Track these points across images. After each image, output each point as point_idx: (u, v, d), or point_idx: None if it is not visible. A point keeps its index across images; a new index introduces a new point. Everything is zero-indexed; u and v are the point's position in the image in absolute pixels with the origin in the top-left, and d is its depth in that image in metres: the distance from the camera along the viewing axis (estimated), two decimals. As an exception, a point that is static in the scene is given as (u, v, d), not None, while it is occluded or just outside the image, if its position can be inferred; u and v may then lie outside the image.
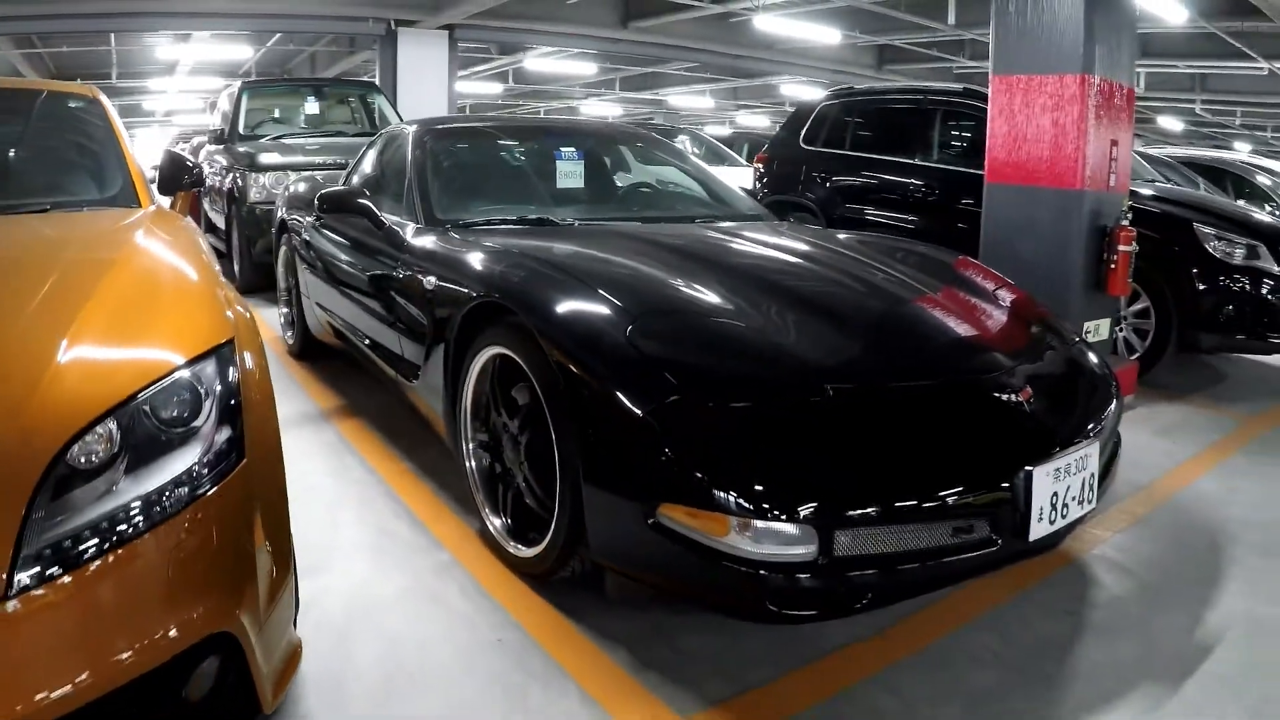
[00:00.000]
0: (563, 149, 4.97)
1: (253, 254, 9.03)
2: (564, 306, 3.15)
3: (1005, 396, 3.06)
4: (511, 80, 25.03)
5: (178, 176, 4.02)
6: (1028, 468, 2.77)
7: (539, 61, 21.25)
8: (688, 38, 18.18)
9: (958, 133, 8.46)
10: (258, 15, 14.97)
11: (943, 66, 21.69)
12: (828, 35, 16.78)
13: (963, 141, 8.41)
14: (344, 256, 5.16)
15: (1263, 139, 31.73)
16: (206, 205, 11.43)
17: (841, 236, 4.72)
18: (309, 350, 6.42)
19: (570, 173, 4.93)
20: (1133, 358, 6.75)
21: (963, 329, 3.48)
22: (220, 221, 10.64)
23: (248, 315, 2.71)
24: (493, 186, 4.92)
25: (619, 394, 2.76)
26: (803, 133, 9.66)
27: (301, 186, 6.90)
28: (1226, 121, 27.88)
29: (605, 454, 2.80)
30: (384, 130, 5.84)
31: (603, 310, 3.09)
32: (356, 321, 4.99)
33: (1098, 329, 6.07)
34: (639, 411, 2.69)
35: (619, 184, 5.43)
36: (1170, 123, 27.82)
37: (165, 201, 3.93)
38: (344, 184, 5.98)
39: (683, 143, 13.91)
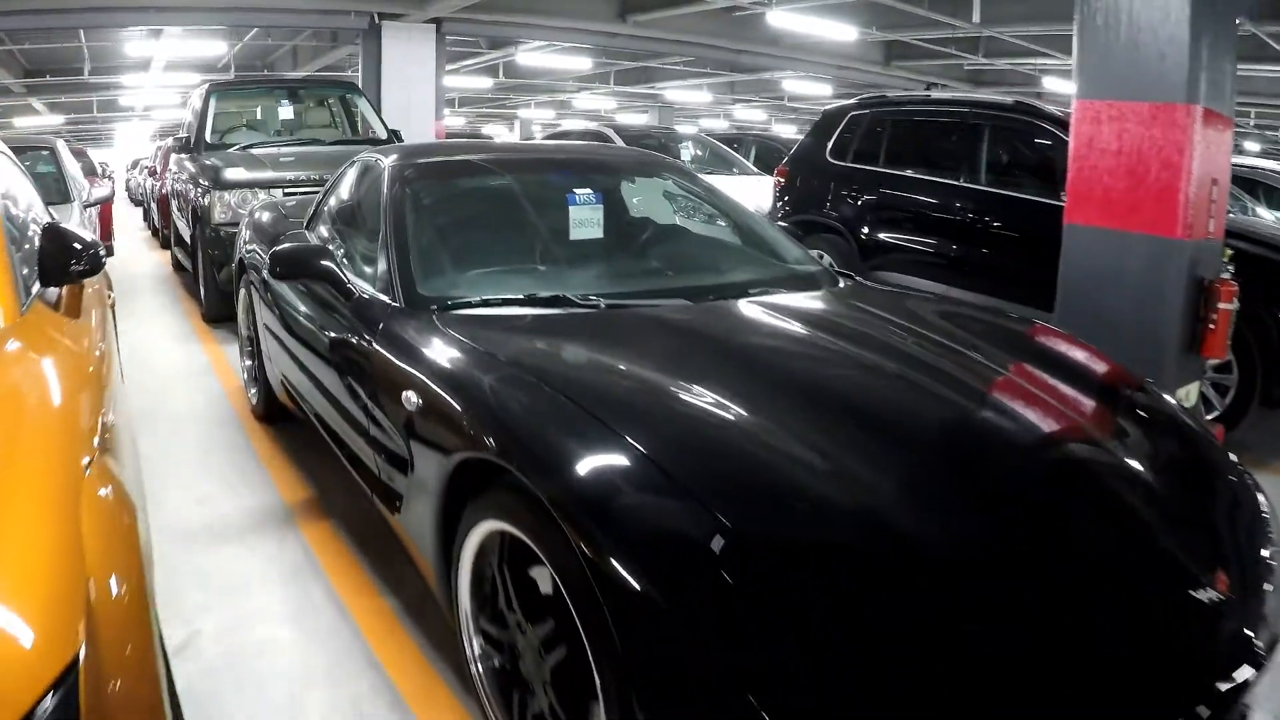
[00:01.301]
0: (576, 191, 4.01)
1: (218, 281, 8.11)
2: (589, 466, 2.21)
3: (1182, 572, 2.26)
4: (502, 74, 24.09)
5: (62, 263, 3.00)
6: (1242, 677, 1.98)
7: (531, 56, 20.27)
8: (688, 31, 17.29)
9: (1009, 152, 7.56)
10: (231, 9, 14.04)
11: (952, 63, 20.86)
12: (842, 32, 15.94)
13: (1015, 162, 7.51)
14: (306, 324, 4.24)
15: (1273, 138, 30.98)
16: (176, 215, 10.51)
17: (908, 305, 3.81)
18: (275, 412, 5.46)
19: (586, 221, 3.99)
20: (1211, 417, 5.90)
21: (1100, 473, 2.60)
22: (188, 237, 9.74)
23: (134, 503, 1.83)
24: (490, 244, 3.96)
25: (676, 609, 1.89)
26: (829, 145, 8.68)
27: (265, 216, 5.99)
28: (1241, 122, 27.01)
29: (667, 695, 1.89)
30: (358, 157, 4.87)
31: (647, 475, 2.16)
32: (324, 414, 4.07)
33: (1188, 395, 5.22)
34: (707, 635, 1.85)
35: (644, 232, 4.52)
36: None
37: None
38: (308, 224, 5.08)
39: (686, 148, 12.95)
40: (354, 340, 3.49)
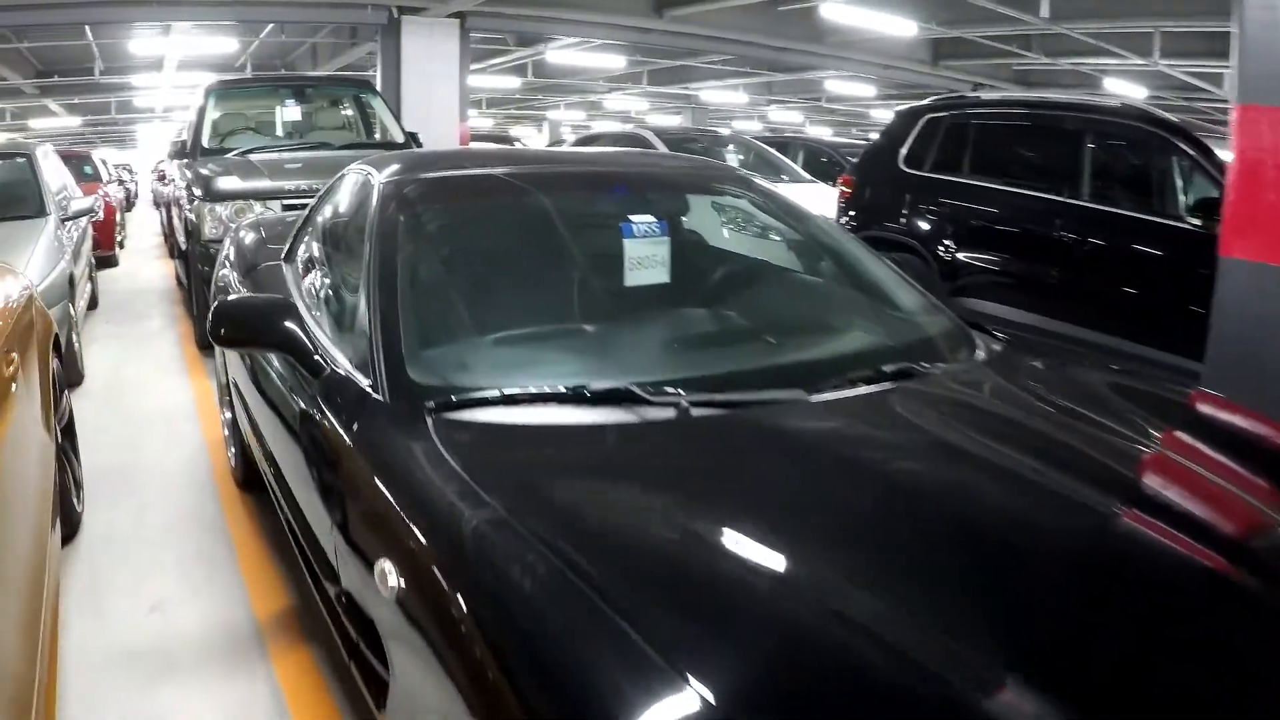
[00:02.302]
0: (634, 219, 2.96)
1: (209, 303, 7.10)
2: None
3: None
4: (531, 74, 23.06)
5: None
6: None
7: (562, 54, 19.23)
8: (727, 28, 16.31)
9: (1119, 163, 6.50)
10: (236, 3, 13.12)
11: (999, 63, 19.99)
12: (902, 27, 14.89)
13: (1126, 175, 6.46)
14: (270, 393, 3.23)
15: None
16: (176, 226, 9.56)
17: (1080, 381, 2.77)
18: (256, 478, 4.37)
19: (647, 260, 2.93)
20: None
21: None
22: (181, 260, 8.82)
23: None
24: (513, 296, 2.92)
25: None
26: (903, 151, 7.61)
27: (247, 237, 5.01)
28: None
29: None
30: (349, 169, 3.86)
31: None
32: (291, 514, 3.04)
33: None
34: None
35: (720, 272, 3.41)
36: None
37: None
38: (286, 256, 4.08)
39: (731, 152, 11.89)
40: (326, 433, 2.47)
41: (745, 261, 3.54)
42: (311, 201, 6.67)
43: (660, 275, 2.96)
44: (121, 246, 15.10)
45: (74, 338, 6.61)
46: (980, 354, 2.80)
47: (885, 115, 32.65)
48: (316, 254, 3.68)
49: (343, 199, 3.68)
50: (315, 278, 3.51)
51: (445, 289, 2.82)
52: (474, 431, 2.15)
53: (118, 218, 14.61)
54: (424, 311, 2.63)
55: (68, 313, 6.38)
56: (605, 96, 29.54)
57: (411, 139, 9.06)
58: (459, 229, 3.20)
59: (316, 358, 2.62)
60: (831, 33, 17.14)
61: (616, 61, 20.73)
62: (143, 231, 19.27)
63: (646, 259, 2.93)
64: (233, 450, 4.76)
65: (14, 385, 2.88)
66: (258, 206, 6.99)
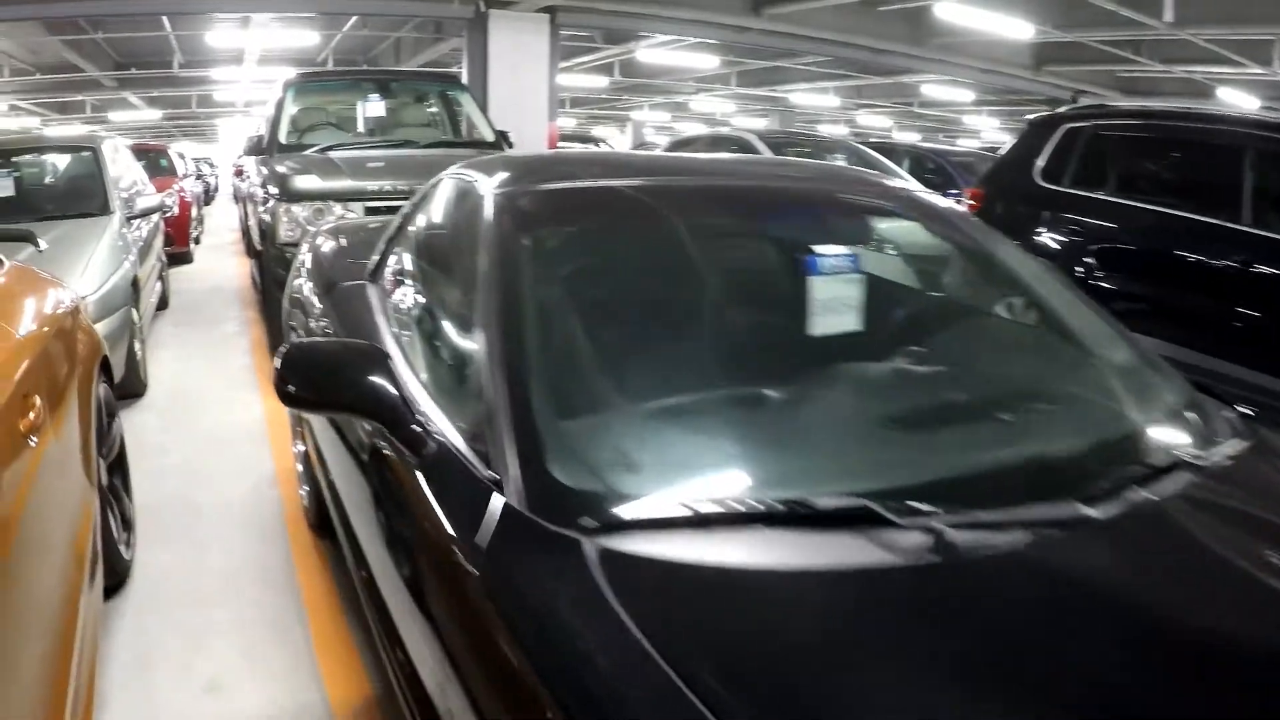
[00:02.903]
0: (820, 252, 2.27)
1: (284, 311, 6.58)
2: None
3: None
4: (618, 73, 22.49)
5: None
6: None
7: (653, 53, 18.63)
8: (826, 28, 15.67)
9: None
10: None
11: (1102, 69, 19.58)
12: (1017, 29, 14.21)
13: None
14: (353, 446, 2.62)
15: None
16: (252, 226, 9.07)
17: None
18: (332, 525, 3.79)
19: (836, 303, 2.25)
20: None
21: None
22: (256, 261, 8.31)
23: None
24: (673, 352, 2.18)
25: None
26: (1039, 164, 6.85)
27: (325, 245, 4.43)
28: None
29: None
30: (447, 174, 3.26)
31: None
32: (371, 599, 2.41)
33: None
34: None
35: (917, 319, 2.70)
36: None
37: None
38: (372, 275, 3.48)
39: (836, 158, 11.18)
40: (426, 540, 1.86)
41: (942, 304, 2.86)
42: (399, 207, 6.24)
43: (851, 322, 2.30)
44: (197, 242, 14.72)
45: (136, 346, 6.10)
46: (1234, 434, 2.10)
47: (978, 121, 32.11)
48: (411, 277, 3.08)
49: (442, 210, 3.09)
50: (410, 308, 2.91)
51: (589, 340, 2.16)
52: (658, 573, 1.50)
53: (194, 213, 14.22)
54: (564, 372, 2.01)
55: (130, 319, 5.86)
56: (692, 98, 28.91)
57: (502, 139, 8.48)
58: (598, 258, 2.54)
59: (416, 427, 2.00)
60: (935, 34, 16.48)
61: (709, 61, 20.10)
62: (220, 227, 18.94)
63: (835, 301, 2.26)
64: (305, 489, 4.18)
65: (32, 438, 2.29)
66: (337, 208, 6.43)
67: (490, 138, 8.46)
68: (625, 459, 1.78)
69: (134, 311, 6.10)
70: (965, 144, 30.42)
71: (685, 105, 30.93)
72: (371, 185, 6.53)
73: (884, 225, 2.91)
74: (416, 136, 8.50)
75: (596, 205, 2.63)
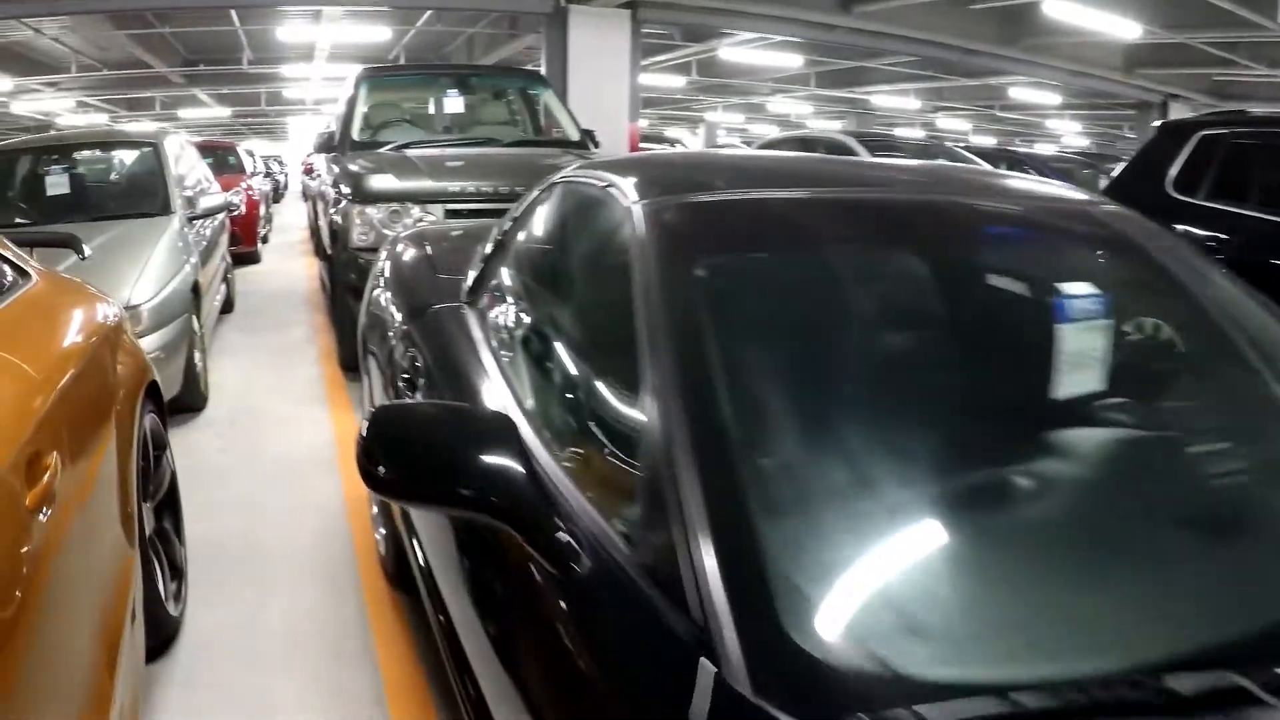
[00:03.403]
0: (1071, 293, 1.75)
1: (356, 321, 6.07)
2: None
3: None
4: (695, 73, 21.90)
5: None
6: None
7: (735, 51, 18.04)
8: (916, 26, 15.05)
9: None
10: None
11: (1195, 73, 18.87)
12: (1126, 28, 13.57)
13: None
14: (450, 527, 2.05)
15: None
16: (321, 226, 8.61)
17: None
18: (413, 577, 3.20)
19: (1084, 358, 1.67)
20: None
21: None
22: (325, 264, 7.84)
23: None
24: (905, 431, 1.53)
25: None
26: (1171, 174, 6.20)
27: (407, 254, 3.90)
28: None
29: None
30: (560, 177, 2.72)
31: None
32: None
33: None
34: None
35: (1167, 383, 1.99)
36: None
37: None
38: (470, 294, 2.93)
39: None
40: (587, 676, 1.30)
41: (1188, 361, 2.19)
42: (482, 210, 5.71)
43: (1096, 381, 1.71)
44: (265, 241, 14.34)
45: (196, 356, 5.61)
46: None
47: (1060, 125, 31.20)
48: (524, 306, 2.52)
49: (562, 222, 2.56)
50: (528, 347, 2.34)
51: (817, 421, 1.55)
52: None
53: (262, 211, 13.83)
54: (794, 471, 1.42)
55: (189, 328, 5.38)
56: (768, 99, 28.26)
57: (588, 138, 7.93)
58: (800, 300, 1.89)
59: (562, 534, 1.43)
60: (1028, 34, 15.90)
61: (793, 61, 19.45)
62: (289, 225, 18.62)
63: (1082, 356, 1.68)
64: (382, 532, 3.64)
65: (44, 511, 1.76)
66: (415, 211, 5.92)
67: (575, 137, 7.91)
68: (909, 617, 1.19)
69: (194, 319, 5.62)
70: (1042, 148, 29.55)
71: (760, 107, 30.30)
72: (452, 186, 6.00)
73: (1115, 256, 2.24)
74: (497, 134, 7.98)
75: (779, 225, 2.01)
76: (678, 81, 22.70)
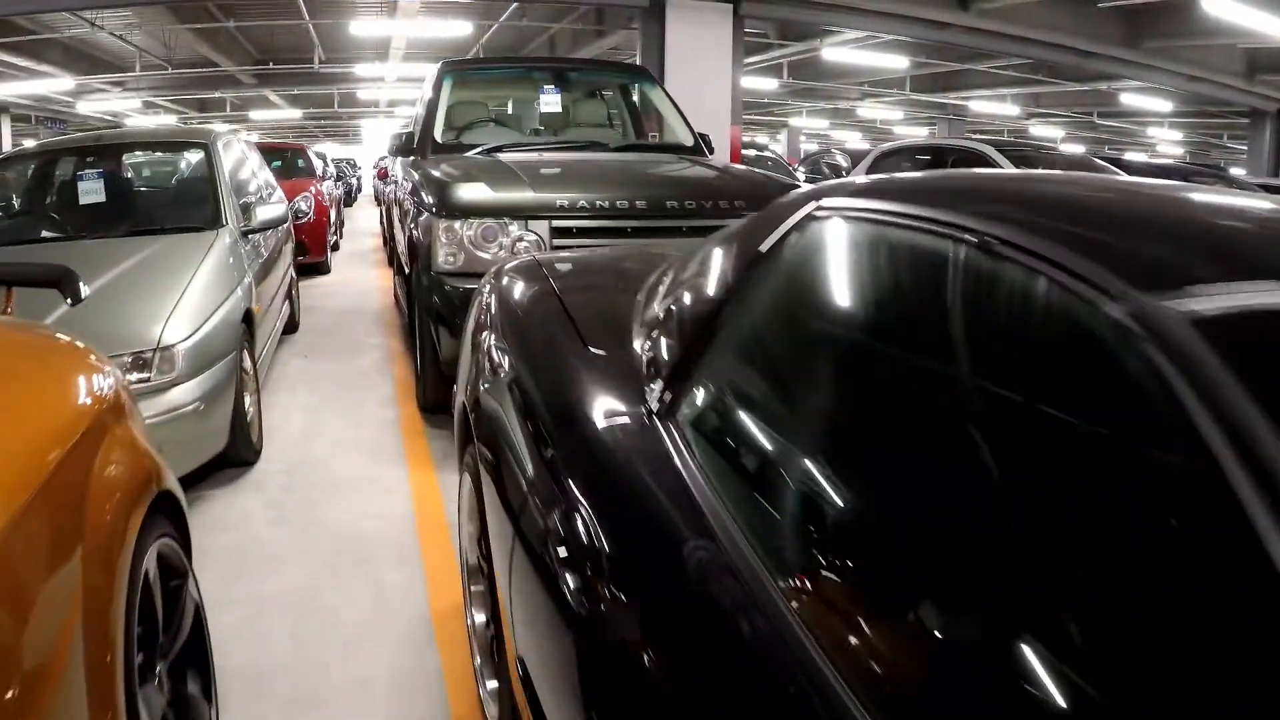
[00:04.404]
0: None
1: (439, 357, 5.07)
2: None
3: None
4: (787, 74, 20.82)
5: None
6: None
7: (839, 51, 16.96)
8: (1035, 25, 14.08)
9: None
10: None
11: None
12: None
13: None
14: None
15: None
16: (397, 237, 7.65)
17: None
18: None
19: None
20: None
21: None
22: (402, 283, 6.87)
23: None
24: None
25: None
26: None
27: (516, 289, 2.88)
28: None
29: None
30: (822, 212, 1.66)
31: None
32: None
33: None
34: None
35: None
36: None
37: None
38: (665, 410, 1.81)
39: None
40: None
41: None
42: (597, 226, 4.70)
43: None
44: (335, 249, 13.42)
45: (247, 401, 4.65)
46: None
47: (1159, 134, 29.81)
48: (814, 444, 1.42)
49: (872, 290, 1.52)
50: (846, 538, 1.25)
51: None
52: None
53: (332, 217, 12.92)
54: None
55: (236, 368, 4.39)
56: (857, 103, 27.11)
57: (703, 142, 6.89)
58: None
59: None
60: (1153, 35, 14.99)
61: (899, 62, 18.33)
62: (361, 230, 17.77)
63: None
64: (490, 684, 2.59)
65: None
66: (513, 228, 4.90)
67: (689, 141, 6.87)
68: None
69: (245, 356, 4.64)
70: (1133, 157, 28.27)
71: (848, 112, 29.18)
72: (561, 198, 4.96)
73: None
74: (601, 137, 6.95)
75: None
76: (769, 84, 21.60)
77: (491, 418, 2.36)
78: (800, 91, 24.69)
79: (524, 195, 5.00)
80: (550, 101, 6.92)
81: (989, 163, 8.59)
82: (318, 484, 4.56)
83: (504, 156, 5.89)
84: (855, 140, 36.14)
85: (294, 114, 29.57)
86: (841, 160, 16.06)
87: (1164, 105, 21.80)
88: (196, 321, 4.09)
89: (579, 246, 4.87)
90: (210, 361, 4.10)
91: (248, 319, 4.79)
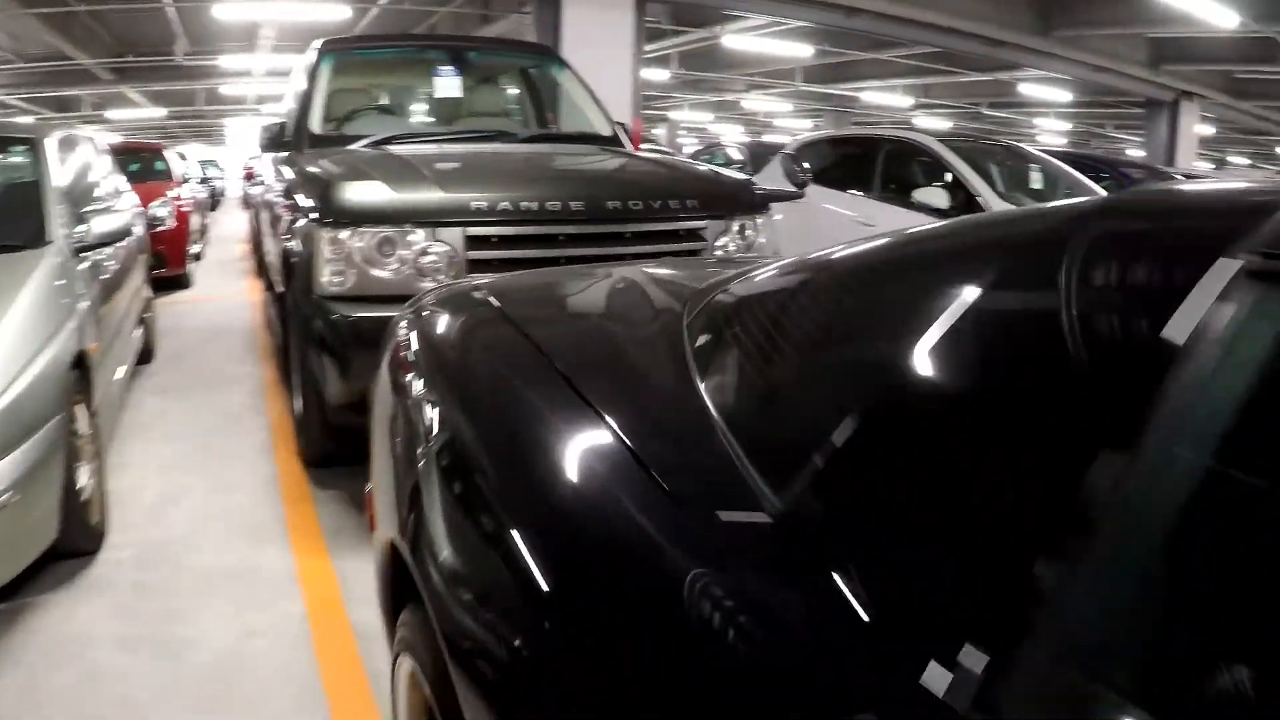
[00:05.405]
0: None
1: (325, 403, 4.05)
2: None
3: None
4: (677, 64, 20.00)
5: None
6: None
7: (741, 39, 16.22)
8: (946, 12, 13.57)
9: None
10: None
11: (1221, 70, 18.40)
12: (1224, 17, 12.45)
13: None
14: None
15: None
16: (267, 248, 6.60)
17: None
18: None
19: None
20: None
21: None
22: (275, 303, 5.83)
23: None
24: None
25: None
26: None
27: (462, 344, 1.91)
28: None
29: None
30: (1127, 236, 0.77)
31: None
32: None
33: None
34: None
35: None
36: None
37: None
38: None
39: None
40: None
41: None
42: (527, 235, 3.80)
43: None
44: (198, 259, 12.17)
45: (82, 473, 3.56)
46: None
47: (1045, 124, 29.88)
48: None
49: None
50: None
51: None
52: None
53: (195, 224, 11.70)
54: None
55: (61, 436, 3.29)
56: (743, 96, 26.45)
57: (621, 132, 5.95)
58: None
59: None
60: (1065, 25, 14.79)
61: (803, 50, 17.72)
62: (227, 236, 16.46)
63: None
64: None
65: None
66: (417, 237, 3.90)
67: (607, 131, 5.93)
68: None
69: (76, 416, 3.56)
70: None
71: (734, 104, 28.59)
72: (477, 200, 3.96)
73: None
74: (506, 126, 5.99)
75: None
76: (660, 75, 20.75)
77: (453, 567, 1.39)
78: (687, 83, 23.91)
79: (431, 196, 4.00)
80: (447, 85, 5.91)
81: (932, 154, 7.79)
82: (180, 580, 3.49)
83: (396, 149, 4.86)
84: (734, 134, 35.57)
85: (157, 112, 27.87)
86: (736, 155, 15.25)
87: (1064, 95, 21.55)
88: (2, 381, 3.01)
89: (500, 260, 3.91)
90: (25, 432, 3.01)
91: (81, 363, 3.69)
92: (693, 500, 1.16)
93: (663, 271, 2.33)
